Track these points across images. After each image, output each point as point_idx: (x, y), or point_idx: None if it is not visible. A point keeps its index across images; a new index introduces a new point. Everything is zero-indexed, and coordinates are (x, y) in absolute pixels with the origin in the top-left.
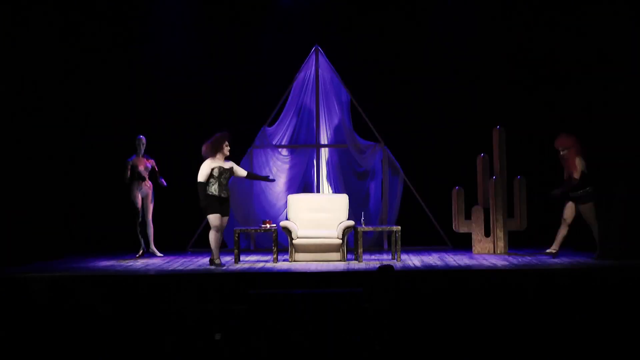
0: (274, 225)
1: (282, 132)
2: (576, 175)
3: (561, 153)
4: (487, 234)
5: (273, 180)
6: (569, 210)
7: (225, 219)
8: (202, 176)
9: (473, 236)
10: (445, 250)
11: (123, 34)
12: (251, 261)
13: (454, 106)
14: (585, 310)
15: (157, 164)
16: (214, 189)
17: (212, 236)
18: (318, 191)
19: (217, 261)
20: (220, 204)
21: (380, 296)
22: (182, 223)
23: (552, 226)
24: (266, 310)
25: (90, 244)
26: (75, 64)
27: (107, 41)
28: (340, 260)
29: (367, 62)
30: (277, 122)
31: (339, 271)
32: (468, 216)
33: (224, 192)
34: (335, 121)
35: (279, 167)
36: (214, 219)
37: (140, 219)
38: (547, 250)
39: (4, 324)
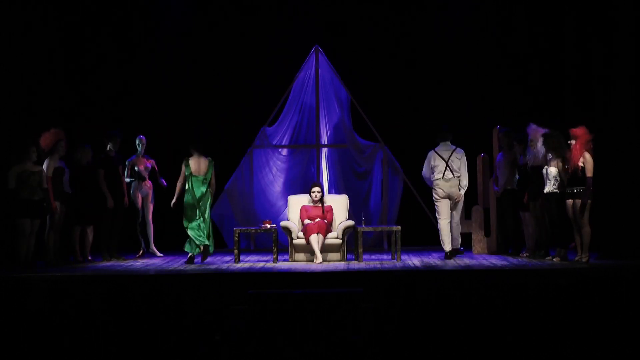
0: (274, 225)
1: (282, 132)
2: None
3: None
4: (487, 234)
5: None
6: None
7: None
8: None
9: (473, 236)
10: None
11: (123, 34)
12: (251, 261)
13: (454, 106)
14: (585, 310)
15: (157, 164)
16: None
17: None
18: None
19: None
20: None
21: None
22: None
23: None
24: (266, 310)
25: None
26: (75, 63)
27: (106, 40)
28: (340, 260)
29: (367, 62)
30: (277, 122)
31: (339, 271)
32: (468, 216)
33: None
34: (335, 121)
35: (279, 167)
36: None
37: (140, 219)
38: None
39: (4, 324)
